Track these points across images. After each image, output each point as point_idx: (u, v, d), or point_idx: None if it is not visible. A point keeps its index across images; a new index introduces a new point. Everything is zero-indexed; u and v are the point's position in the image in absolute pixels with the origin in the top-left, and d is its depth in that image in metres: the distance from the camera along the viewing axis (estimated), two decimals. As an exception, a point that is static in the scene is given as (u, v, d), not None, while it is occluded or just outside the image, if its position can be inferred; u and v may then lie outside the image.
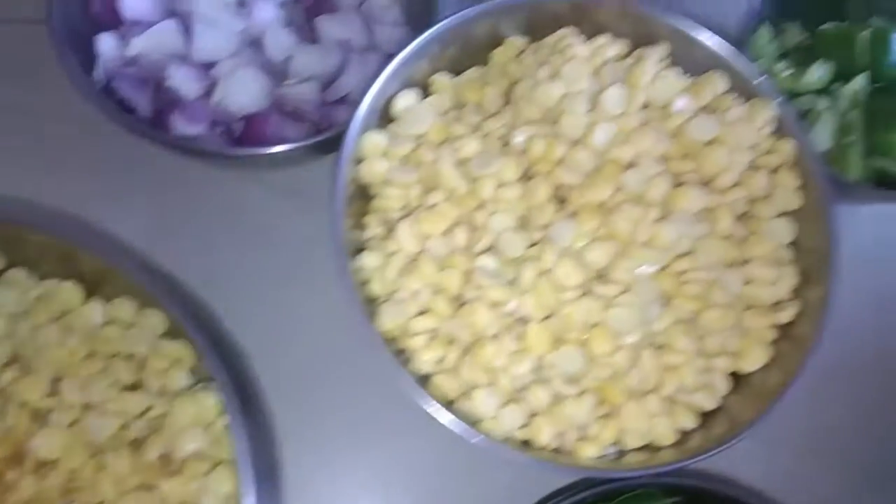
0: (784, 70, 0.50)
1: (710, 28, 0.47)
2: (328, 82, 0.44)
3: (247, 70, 0.43)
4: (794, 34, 0.51)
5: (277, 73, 0.44)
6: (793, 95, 0.49)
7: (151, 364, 0.39)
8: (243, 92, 0.43)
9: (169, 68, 0.43)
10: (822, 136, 0.47)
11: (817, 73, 0.48)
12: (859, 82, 0.47)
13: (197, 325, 0.35)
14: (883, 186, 0.45)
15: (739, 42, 0.46)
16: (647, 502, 0.36)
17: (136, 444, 0.38)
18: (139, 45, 0.43)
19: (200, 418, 0.38)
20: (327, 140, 0.39)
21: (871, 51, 0.47)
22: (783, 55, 0.51)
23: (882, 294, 0.47)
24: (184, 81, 0.43)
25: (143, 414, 0.38)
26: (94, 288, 0.41)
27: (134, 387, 0.39)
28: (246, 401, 0.38)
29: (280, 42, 0.44)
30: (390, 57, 0.39)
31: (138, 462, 0.37)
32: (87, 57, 0.43)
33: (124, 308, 0.40)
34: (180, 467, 0.37)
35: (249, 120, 0.43)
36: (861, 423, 0.45)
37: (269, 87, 0.43)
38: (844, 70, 0.48)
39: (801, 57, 0.50)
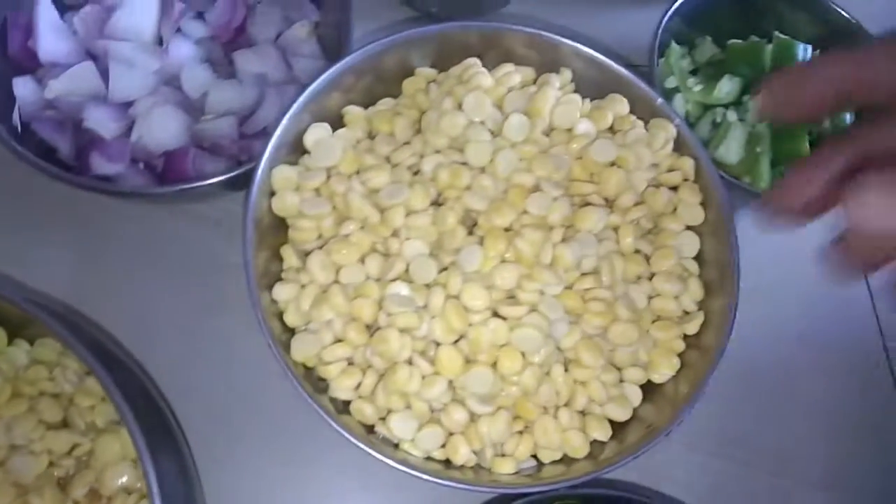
0: (696, 85, 0.52)
1: (621, 48, 0.49)
2: (246, 116, 0.45)
3: (164, 108, 0.44)
4: (706, 50, 0.54)
5: (195, 109, 0.45)
6: (705, 108, 0.51)
7: (77, 402, 0.40)
8: (162, 129, 0.44)
9: (86, 109, 0.43)
10: (734, 147, 0.49)
11: (725, 87, 0.50)
12: None
13: (104, 365, 0.35)
14: None
15: (651, 59, 0.48)
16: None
17: (64, 483, 0.38)
18: (57, 87, 0.44)
19: (126, 453, 0.38)
20: (246, 173, 0.40)
21: (776, 63, 0.50)
22: (695, 70, 0.53)
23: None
24: (102, 121, 0.43)
25: (70, 452, 0.39)
26: (17, 330, 0.41)
27: (60, 425, 0.39)
28: (164, 437, 0.39)
29: (197, 78, 0.45)
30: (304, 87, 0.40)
31: (65, 500, 0.37)
32: (5, 101, 0.44)
33: (48, 348, 0.40)
34: (107, 503, 0.38)
35: (169, 157, 0.44)
36: (767, 426, 0.47)
37: (187, 124, 0.44)
38: (754, 82, 0.50)
39: (713, 71, 0.52)
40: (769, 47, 0.50)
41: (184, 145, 0.44)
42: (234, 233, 0.46)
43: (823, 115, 0.33)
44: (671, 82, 0.51)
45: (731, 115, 0.50)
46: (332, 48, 0.47)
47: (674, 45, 0.52)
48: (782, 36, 0.50)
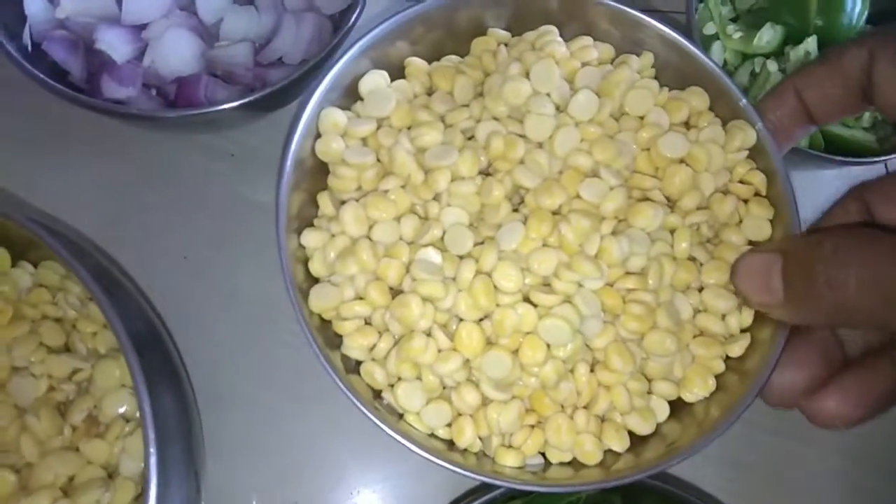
0: (735, 32, 0.49)
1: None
2: (262, 45, 0.44)
3: (178, 32, 0.43)
4: None
5: (210, 35, 0.44)
6: (744, 57, 0.48)
7: (79, 327, 0.39)
8: (174, 54, 0.43)
9: (98, 31, 0.42)
10: None
11: (766, 36, 0.47)
12: (810, 45, 0.46)
13: (109, 293, 0.35)
14: (830, 152, 0.45)
15: (689, 4, 0.45)
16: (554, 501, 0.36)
17: (62, 407, 0.38)
18: (68, 7, 0.43)
19: (126, 381, 0.38)
20: (261, 101, 0.39)
21: (823, 12, 0.46)
22: (735, 18, 0.50)
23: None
24: (114, 44, 0.43)
25: (70, 377, 0.39)
26: (21, 252, 0.41)
27: (61, 350, 0.39)
28: (162, 366, 0.38)
29: (212, 3, 0.44)
30: (328, 20, 0.38)
31: (63, 424, 0.37)
32: (16, 19, 0.43)
33: (51, 272, 0.40)
34: (105, 430, 0.37)
35: (181, 83, 0.43)
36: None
37: (201, 50, 0.43)
38: (797, 33, 0.47)
39: (754, 20, 0.49)
40: None
41: (197, 72, 0.43)
42: (248, 166, 0.46)
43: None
44: (710, 28, 0.48)
45: (772, 66, 0.47)
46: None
47: None
48: None
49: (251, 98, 0.39)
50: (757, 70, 0.48)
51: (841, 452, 0.45)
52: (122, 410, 0.38)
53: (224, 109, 0.39)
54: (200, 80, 0.42)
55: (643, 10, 0.39)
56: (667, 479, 0.43)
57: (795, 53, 0.46)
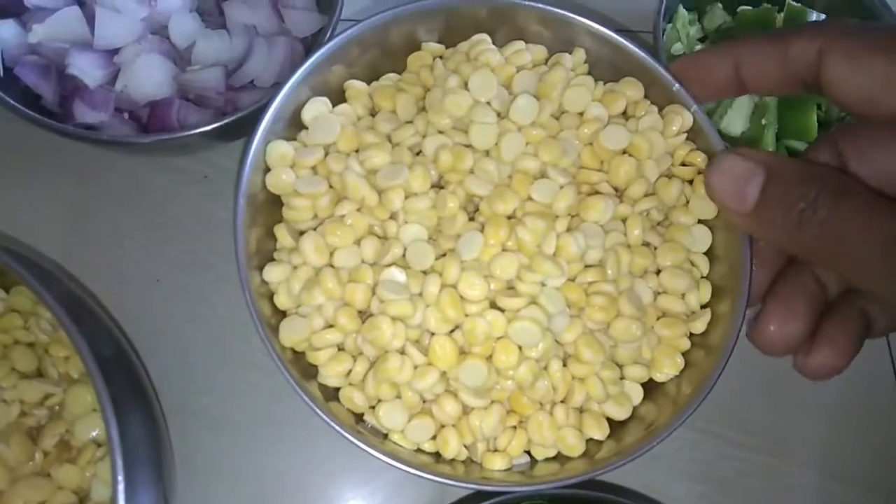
0: None
1: (627, 12, 0.47)
2: (234, 68, 0.44)
3: (150, 56, 0.43)
4: (716, 17, 0.51)
5: (182, 59, 0.44)
6: None
7: (51, 352, 0.39)
8: (147, 79, 0.43)
9: (70, 55, 0.42)
10: (738, 118, 0.47)
11: None
12: None
13: (75, 318, 0.34)
14: None
15: (657, 24, 0.46)
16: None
17: (34, 433, 0.38)
18: (41, 31, 0.43)
19: (98, 406, 0.37)
20: (232, 125, 0.39)
21: None
22: (703, 38, 0.51)
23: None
24: (86, 69, 0.42)
25: (42, 402, 0.38)
26: None
27: (33, 374, 0.39)
28: (133, 393, 0.38)
29: (184, 27, 0.44)
30: (300, 43, 0.38)
31: (34, 450, 0.37)
32: None
33: (23, 297, 0.40)
34: (77, 454, 0.37)
35: (154, 106, 0.43)
36: (774, 417, 0.46)
37: (173, 74, 0.43)
38: None
39: (722, 39, 0.50)
40: (780, 15, 0.48)
41: (169, 96, 0.43)
42: (221, 187, 0.46)
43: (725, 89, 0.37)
44: (678, 48, 0.49)
45: None
46: (327, 1, 0.45)
47: (681, 9, 0.50)
48: (795, 3, 0.48)
49: (223, 122, 0.39)
50: None
51: (815, 466, 0.46)
52: (94, 435, 0.38)
53: (196, 134, 0.39)
54: (172, 104, 0.42)
55: (570, 10, 0.40)
56: (636, 497, 0.44)
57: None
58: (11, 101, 0.39)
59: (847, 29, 0.30)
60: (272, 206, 0.38)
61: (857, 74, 0.28)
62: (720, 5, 0.51)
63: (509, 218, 0.36)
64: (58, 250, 0.45)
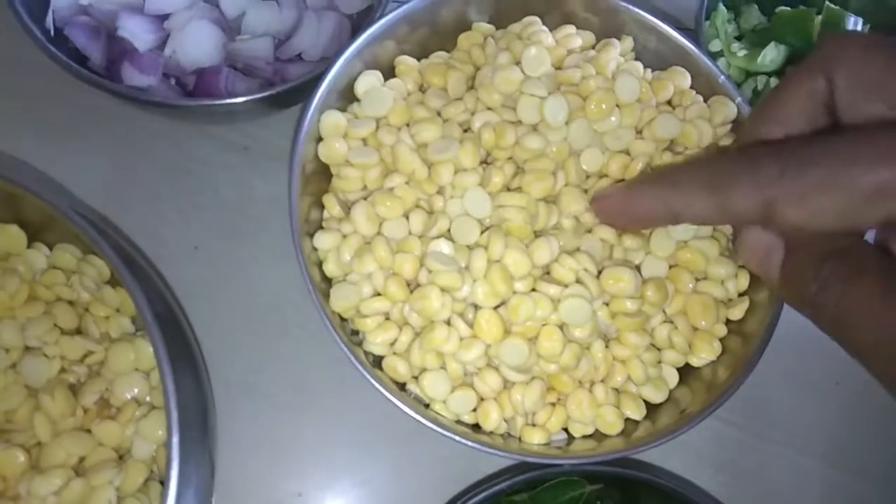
0: (740, 50, 0.50)
1: (668, 8, 0.48)
2: (282, 40, 0.44)
3: (200, 23, 0.43)
4: (752, 17, 0.52)
5: (231, 28, 0.44)
6: (748, 75, 0.50)
7: (92, 311, 0.39)
8: (195, 45, 0.43)
9: (121, 18, 0.42)
10: None
11: (770, 55, 0.49)
12: None
13: (133, 274, 0.35)
14: None
15: (697, 20, 0.47)
16: (568, 489, 0.37)
17: (75, 389, 0.38)
18: None
19: (139, 364, 0.38)
20: (279, 95, 0.39)
21: (824, 33, 0.48)
22: (740, 36, 0.51)
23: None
24: (136, 32, 0.43)
25: (82, 359, 0.38)
26: (37, 233, 0.40)
27: (74, 332, 0.39)
28: (182, 350, 0.38)
29: None
30: (348, 19, 0.38)
31: (75, 406, 0.37)
32: (39, 4, 0.42)
33: (67, 254, 0.40)
34: (117, 412, 0.37)
35: (201, 74, 0.43)
36: (808, 410, 0.46)
37: (222, 42, 0.43)
38: (800, 52, 0.49)
39: (759, 38, 0.51)
40: (818, 17, 0.49)
41: (217, 64, 0.43)
42: (261, 159, 0.46)
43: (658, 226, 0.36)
44: (715, 45, 0.50)
45: (774, 83, 0.49)
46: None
47: (721, 7, 0.51)
48: (833, 6, 0.48)
49: (271, 92, 0.39)
50: (760, 88, 0.49)
51: (838, 463, 0.46)
52: (134, 394, 0.38)
53: (244, 102, 0.39)
54: (221, 72, 0.42)
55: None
56: (665, 475, 0.44)
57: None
58: (67, 60, 0.39)
59: (788, 169, 0.25)
60: (320, 176, 0.39)
61: (814, 219, 0.27)
62: (756, 6, 0.52)
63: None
64: (102, 206, 0.45)
